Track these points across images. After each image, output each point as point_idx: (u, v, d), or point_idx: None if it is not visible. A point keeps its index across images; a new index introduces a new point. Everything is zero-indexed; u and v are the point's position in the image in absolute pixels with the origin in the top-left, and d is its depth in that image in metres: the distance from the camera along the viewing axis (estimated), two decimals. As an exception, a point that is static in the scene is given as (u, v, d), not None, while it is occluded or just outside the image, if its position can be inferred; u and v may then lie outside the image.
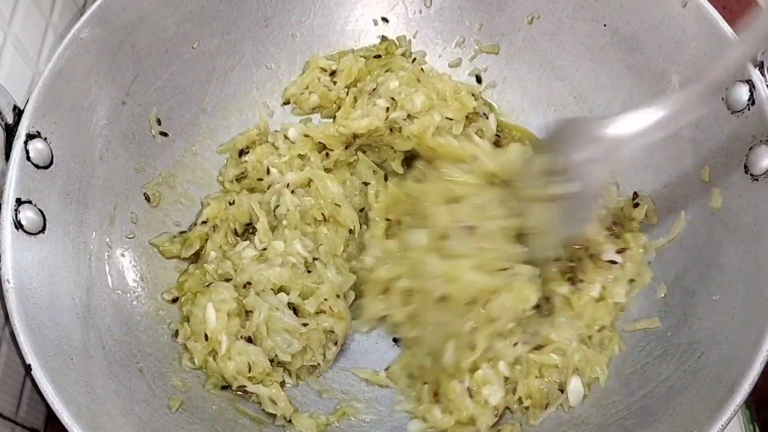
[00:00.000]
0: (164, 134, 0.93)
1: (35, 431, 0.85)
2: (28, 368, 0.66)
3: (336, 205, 0.92)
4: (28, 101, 0.75)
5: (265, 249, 0.88)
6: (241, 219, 0.92)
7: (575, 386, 0.82)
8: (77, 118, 0.81)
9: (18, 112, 0.75)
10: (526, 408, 0.83)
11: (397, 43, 1.03)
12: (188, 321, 0.84)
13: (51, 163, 0.77)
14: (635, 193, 0.91)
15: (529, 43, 1.00)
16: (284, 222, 0.90)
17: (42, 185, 0.76)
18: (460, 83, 1.01)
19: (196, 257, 0.91)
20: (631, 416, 0.76)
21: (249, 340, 0.82)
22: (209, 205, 0.92)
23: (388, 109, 0.93)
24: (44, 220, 0.75)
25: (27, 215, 0.73)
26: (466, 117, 0.96)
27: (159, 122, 0.92)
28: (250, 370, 0.81)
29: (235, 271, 0.87)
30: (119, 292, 0.84)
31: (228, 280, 0.86)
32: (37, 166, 0.75)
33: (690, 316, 0.80)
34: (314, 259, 0.88)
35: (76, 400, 0.68)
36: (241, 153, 0.96)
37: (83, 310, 0.77)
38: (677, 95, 0.70)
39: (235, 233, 0.92)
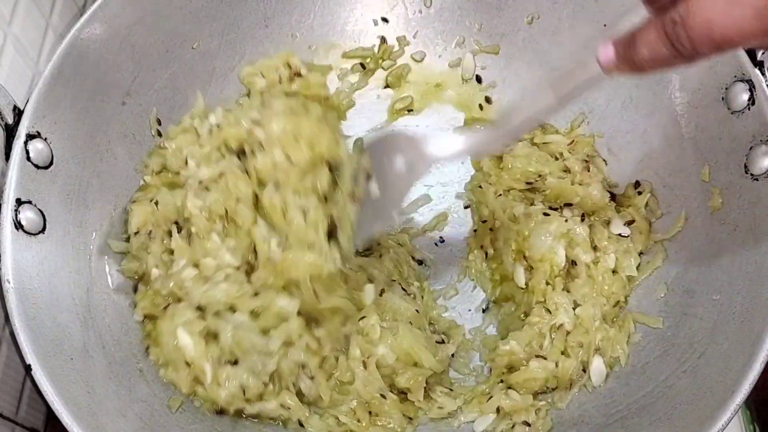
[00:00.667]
0: (164, 134, 0.93)
1: (35, 431, 0.85)
2: (28, 368, 0.66)
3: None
4: (28, 101, 0.75)
5: (197, 265, 0.79)
6: (172, 218, 0.83)
7: (598, 366, 0.82)
8: (77, 118, 0.81)
9: (18, 112, 0.75)
10: (554, 389, 0.83)
11: (395, 45, 1.04)
12: (156, 346, 0.79)
13: (51, 163, 0.77)
14: (637, 181, 0.91)
15: (529, 43, 1.00)
16: (193, 229, 0.80)
17: (42, 185, 0.76)
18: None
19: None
20: (631, 416, 0.76)
21: (235, 362, 0.76)
22: (134, 212, 0.83)
23: None
24: (44, 220, 0.75)
25: (27, 215, 0.73)
26: None
27: (159, 122, 0.92)
28: (244, 393, 0.76)
29: (183, 293, 0.79)
30: (119, 292, 0.84)
31: (180, 300, 0.79)
32: (37, 166, 0.75)
33: (690, 316, 0.80)
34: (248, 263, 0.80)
35: (76, 400, 0.68)
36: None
37: (83, 310, 0.77)
38: (485, 131, 0.74)
39: (170, 233, 0.82)
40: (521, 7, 0.99)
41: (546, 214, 0.88)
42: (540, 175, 0.93)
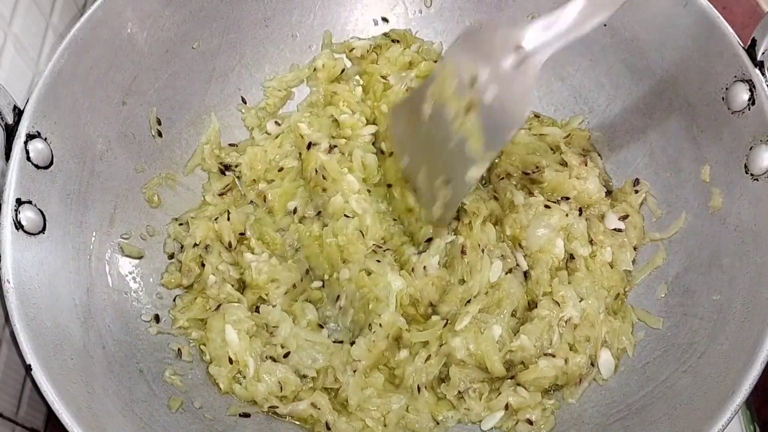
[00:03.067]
0: (164, 134, 0.93)
1: (35, 431, 0.85)
2: (28, 368, 0.66)
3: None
4: (28, 101, 0.75)
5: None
6: (235, 230, 0.91)
7: (606, 359, 0.82)
8: (77, 118, 0.81)
9: (18, 112, 0.75)
10: (562, 386, 0.83)
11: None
12: (205, 346, 0.84)
13: (51, 163, 0.77)
14: (637, 179, 0.92)
15: (529, 43, 1.00)
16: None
17: (42, 185, 0.76)
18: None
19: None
20: (631, 416, 0.76)
21: (273, 359, 0.82)
22: (197, 226, 0.90)
23: None
24: (44, 220, 0.75)
25: (27, 215, 0.73)
26: None
27: (159, 122, 0.92)
28: (281, 390, 0.80)
29: (244, 282, 0.88)
30: (119, 292, 0.84)
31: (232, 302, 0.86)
32: (37, 166, 0.75)
33: (690, 316, 0.80)
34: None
35: (76, 400, 0.68)
36: (227, 168, 0.96)
37: (83, 310, 0.77)
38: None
39: (228, 246, 0.90)
40: (521, 6, 0.99)
41: (547, 207, 0.88)
42: (537, 166, 0.93)
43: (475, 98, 0.78)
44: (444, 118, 0.82)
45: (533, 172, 0.93)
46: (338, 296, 0.88)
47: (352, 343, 0.83)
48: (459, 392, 0.82)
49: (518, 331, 0.83)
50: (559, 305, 0.83)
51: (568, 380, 0.82)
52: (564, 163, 0.93)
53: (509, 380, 0.82)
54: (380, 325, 0.82)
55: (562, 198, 0.90)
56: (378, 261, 0.86)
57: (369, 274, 0.85)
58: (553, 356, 0.81)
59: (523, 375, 0.81)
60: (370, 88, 1.01)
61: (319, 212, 0.93)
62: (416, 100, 0.86)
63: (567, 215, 0.87)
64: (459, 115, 0.80)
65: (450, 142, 0.81)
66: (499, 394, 0.81)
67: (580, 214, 0.88)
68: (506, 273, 0.85)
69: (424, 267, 0.86)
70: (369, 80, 1.01)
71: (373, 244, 0.89)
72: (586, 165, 0.91)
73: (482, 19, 1.02)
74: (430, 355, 0.82)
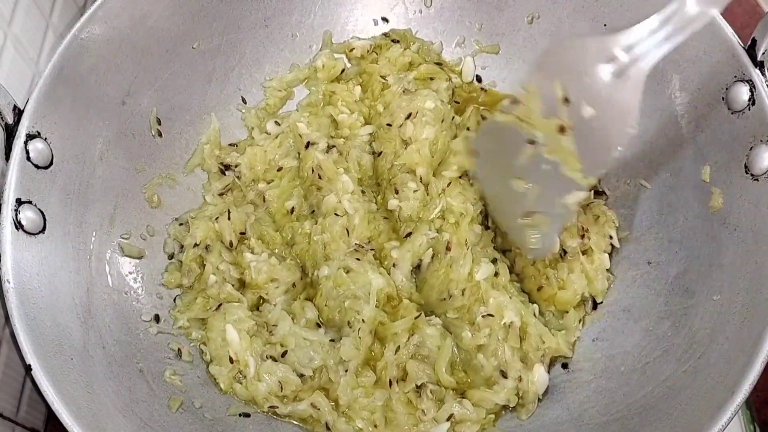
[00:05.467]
0: (164, 134, 0.93)
1: (35, 431, 0.85)
2: (28, 368, 0.66)
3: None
4: (28, 101, 0.75)
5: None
6: (236, 230, 0.90)
7: (540, 374, 0.82)
8: (77, 118, 0.81)
9: (18, 112, 0.75)
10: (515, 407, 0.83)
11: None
12: (205, 346, 0.84)
13: (51, 163, 0.77)
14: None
15: (529, 43, 1.00)
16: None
17: (42, 185, 0.76)
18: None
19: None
20: (632, 416, 0.76)
21: (273, 359, 0.82)
22: (197, 226, 0.90)
23: None
24: (44, 220, 0.75)
25: (27, 215, 0.73)
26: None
27: (159, 122, 0.92)
28: (281, 390, 0.80)
29: (244, 282, 0.88)
30: (119, 292, 0.84)
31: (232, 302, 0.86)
32: (37, 166, 0.75)
33: (690, 316, 0.80)
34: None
35: (76, 400, 0.68)
36: (227, 168, 0.96)
37: (83, 310, 0.77)
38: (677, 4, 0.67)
39: (229, 246, 0.90)
40: (521, 7, 0.99)
41: None
42: None
43: (568, 119, 0.73)
44: (531, 144, 0.77)
45: None
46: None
47: (331, 340, 0.84)
48: (417, 387, 0.81)
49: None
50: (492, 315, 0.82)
51: (523, 402, 0.82)
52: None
53: (453, 391, 0.82)
54: (363, 320, 0.82)
55: None
56: (358, 259, 0.86)
57: (348, 272, 0.85)
58: (505, 376, 0.81)
59: (470, 391, 0.81)
60: (368, 87, 1.01)
61: (313, 211, 0.93)
62: (496, 128, 0.82)
63: None
64: (551, 139, 0.75)
65: (541, 168, 0.77)
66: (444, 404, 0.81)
67: None
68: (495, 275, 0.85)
69: (394, 264, 0.87)
70: (368, 80, 1.01)
71: (356, 243, 0.89)
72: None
73: (482, 19, 1.02)
74: (399, 347, 0.82)
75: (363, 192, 0.93)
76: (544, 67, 0.75)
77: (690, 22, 0.66)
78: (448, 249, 0.86)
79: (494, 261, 0.86)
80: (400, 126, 0.93)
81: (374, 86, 1.00)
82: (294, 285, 0.89)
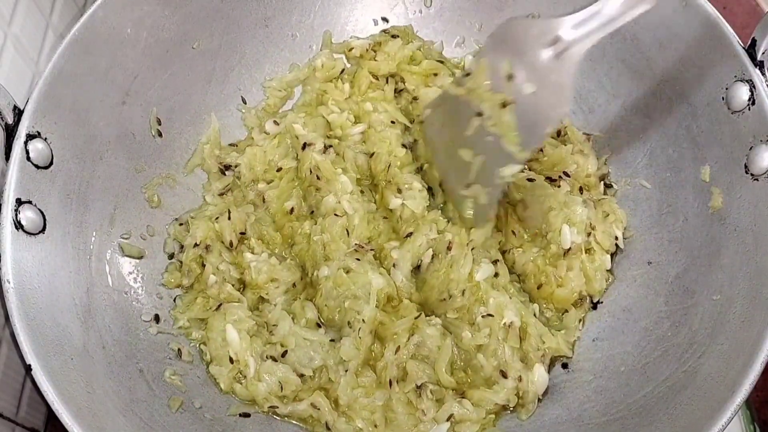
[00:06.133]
0: (164, 134, 0.93)
1: (35, 431, 0.85)
2: (28, 368, 0.66)
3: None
4: (28, 101, 0.75)
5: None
6: (236, 230, 0.90)
7: (540, 374, 0.82)
8: (77, 118, 0.81)
9: (18, 112, 0.75)
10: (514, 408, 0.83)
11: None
12: (205, 346, 0.84)
13: (51, 163, 0.77)
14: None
15: (529, 43, 1.00)
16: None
17: (42, 185, 0.76)
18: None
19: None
20: (632, 416, 0.76)
21: (273, 359, 0.82)
22: (197, 226, 0.90)
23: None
24: (44, 220, 0.75)
25: (27, 215, 0.73)
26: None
27: (159, 122, 0.92)
28: (281, 390, 0.80)
29: (244, 282, 0.88)
30: (119, 292, 0.84)
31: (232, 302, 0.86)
32: (37, 166, 0.75)
33: (690, 316, 0.80)
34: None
35: (76, 400, 0.68)
36: (227, 168, 0.96)
37: (83, 310, 0.77)
38: None
39: (230, 246, 0.90)
40: (521, 7, 0.99)
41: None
42: None
43: (511, 94, 0.77)
44: (479, 116, 0.81)
45: None
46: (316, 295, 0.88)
47: (332, 340, 0.84)
48: (417, 387, 0.81)
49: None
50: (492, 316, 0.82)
51: (523, 402, 0.82)
52: (558, 133, 0.95)
53: (452, 391, 0.82)
54: (363, 320, 0.82)
55: (563, 174, 0.91)
56: (357, 260, 0.86)
57: (348, 272, 0.85)
58: (505, 376, 0.81)
59: (470, 391, 0.81)
60: (356, 83, 1.01)
61: (312, 211, 0.93)
62: (449, 99, 0.86)
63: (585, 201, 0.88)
64: (494, 112, 0.79)
65: (485, 140, 0.81)
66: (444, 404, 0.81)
67: (581, 193, 0.89)
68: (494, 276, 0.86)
69: (394, 264, 0.87)
70: (358, 75, 1.01)
71: (356, 244, 0.89)
72: (589, 141, 0.92)
73: (482, 19, 1.02)
74: (399, 347, 0.82)
75: (362, 192, 0.93)
76: (494, 44, 0.80)
77: (624, 11, 0.71)
78: (449, 249, 0.86)
79: (495, 262, 0.86)
80: None
81: (362, 82, 1.00)
82: (294, 285, 0.89)
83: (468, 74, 0.83)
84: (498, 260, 0.87)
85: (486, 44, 0.81)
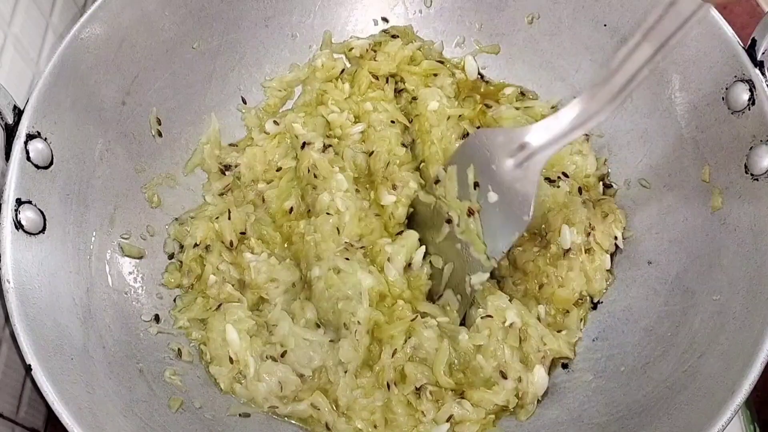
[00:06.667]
0: (164, 134, 0.93)
1: (35, 431, 0.85)
2: (28, 368, 0.66)
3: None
4: (28, 101, 0.75)
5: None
6: (236, 230, 0.91)
7: (541, 375, 0.82)
8: (77, 118, 0.81)
9: (18, 112, 0.75)
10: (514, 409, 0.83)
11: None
12: (205, 346, 0.84)
13: (51, 163, 0.77)
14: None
15: (529, 43, 1.00)
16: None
17: (42, 185, 0.76)
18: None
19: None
20: (632, 416, 0.76)
21: (273, 359, 0.81)
22: (197, 226, 0.90)
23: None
24: (44, 220, 0.75)
25: (27, 215, 0.73)
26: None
27: (159, 122, 0.92)
28: (281, 390, 0.80)
29: (244, 282, 0.87)
30: (119, 292, 0.84)
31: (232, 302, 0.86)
32: (37, 166, 0.75)
33: (690, 316, 0.80)
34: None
35: (76, 400, 0.68)
36: (227, 168, 0.96)
37: (83, 310, 0.77)
38: (582, 100, 0.73)
39: (230, 246, 0.90)
40: (521, 7, 0.99)
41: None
42: None
43: (476, 203, 0.81)
44: (448, 223, 0.84)
45: None
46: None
47: (331, 341, 0.83)
48: (416, 389, 0.81)
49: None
50: (492, 317, 0.82)
51: (522, 403, 0.82)
52: None
53: (452, 392, 0.82)
54: (359, 322, 0.82)
55: (562, 174, 0.91)
56: (347, 259, 0.86)
57: (338, 272, 0.85)
58: (505, 377, 0.81)
59: (469, 392, 0.81)
60: (356, 83, 1.00)
61: (309, 210, 0.93)
62: (422, 205, 0.89)
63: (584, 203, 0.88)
64: (462, 220, 0.82)
65: (455, 247, 0.83)
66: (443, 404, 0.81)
67: (580, 194, 0.89)
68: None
69: (389, 259, 0.87)
70: (358, 75, 1.01)
71: (345, 242, 0.88)
72: (587, 141, 0.93)
73: (482, 19, 1.02)
74: (396, 350, 0.82)
75: (357, 191, 0.93)
76: (462, 152, 0.83)
77: (585, 120, 0.73)
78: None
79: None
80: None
81: (362, 82, 1.00)
82: (294, 285, 0.89)
83: (438, 181, 0.86)
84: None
85: (456, 152, 0.84)
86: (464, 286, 0.84)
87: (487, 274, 0.82)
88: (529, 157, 0.76)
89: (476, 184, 0.81)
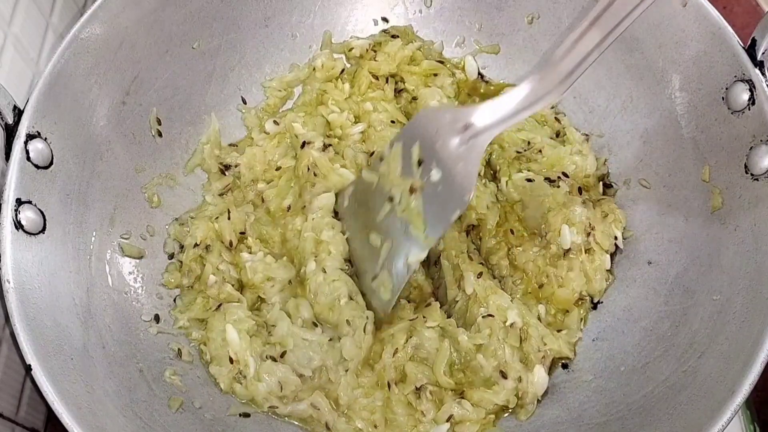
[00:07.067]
0: (164, 134, 0.93)
1: (35, 431, 0.85)
2: (28, 368, 0.66)
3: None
4: (28, 101, 0.75)
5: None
6: (236, 230, 0.91)
7: (541, 375, 0.82)
8: (77, 118, 0.81)
9: (18, 112, 0.74)
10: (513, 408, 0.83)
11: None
12: (205, 346, 0.84)
13: (51, 163, 0.77)
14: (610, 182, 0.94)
15: (529, 43, 1.00)
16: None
17: (42, 185, 0.76)
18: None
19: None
20: (632, 416, 0.76)
21: (273, 359, 0.81)
22: (197, 226, 0.90)
23: None
24: (44, 220, 0.75)
25: (27, 215, 0.73)
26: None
27: (159, 122, 0.92)
28: (281, 390, 0.80)
29: (243, 282, 0.88)
30: (119, 292, 0.84)
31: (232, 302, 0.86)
32: (37, 166, 0.75)
33: (690, 316, 0.80)
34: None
35: (76, 400, 0.68)
36: (227, 168, 0.96)
37: (83, 310, 0.77)
38: (530, 83, 0.72)
39: (229, 246, 0.90)
40: (521, 7, 0.99)
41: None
42: (529, 143, 0.93)
43: (419, 180, 0.79)
44: (390, 201, 0.82)
45: (524, 150, 0.93)
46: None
47: (330, 340, 0.83)
48: (416, 389, 0.81)
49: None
50: (494, 316, 0.82)
51: (522, 403, 0.82)
52: (557, 134, 0.95)
53: (451, 392, 0.82)
54: (366, 317, 0.82)
55: (562, 174, 0.91)
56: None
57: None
58: (505, 377, 0.80)
59: (469, 392, 0.81)
60: (356, 83, 1.01)
61: (304, 206, 0.92)
62: (364, 184, 0.87)
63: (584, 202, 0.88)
64: (404, 197, 0.81)
65: (394, 225, 0.82)
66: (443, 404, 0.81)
67: (580, 194, 0.89)
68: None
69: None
70: (358, 75, 1.01)
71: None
72: (587, 141, 0.93)
73: (482, 19, 1.02)
74: (397, 349, 0.82)
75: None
76: (409, 130, 0.81)
77: (533, 102, 0.72)
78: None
79: (480, 275, 0.86)
80: None
81: (362, 82, 1.00)
82: (290, 282, 0.89)
83: (382, 159, 0.84)
84: (482, 272, 0.87)
85: (402, 130, 0.83)
86: (399, 265, 0.82)
87: (425, 253, 0.80)
88: (474, 136, 0.75)
89: (420, 162, 0.79)
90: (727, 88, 0.79)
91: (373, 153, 0.95)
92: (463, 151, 0.75)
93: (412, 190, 0.79)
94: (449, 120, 0.76)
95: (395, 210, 0.82)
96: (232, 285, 0.87)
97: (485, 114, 0.74)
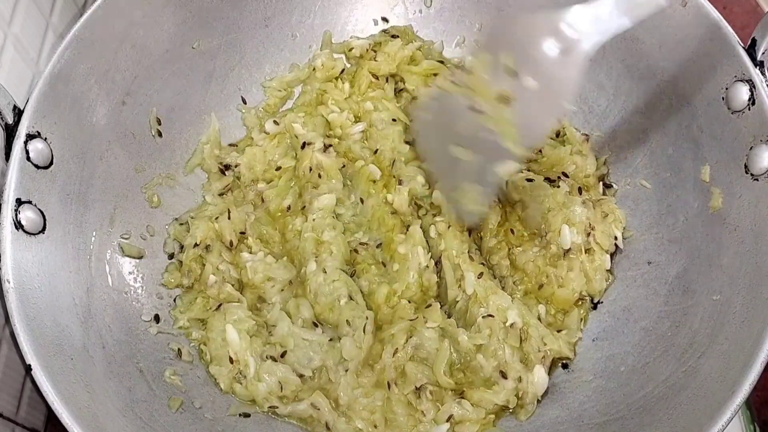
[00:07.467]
0: (164, 134, 0.93)
1: (35, 431, 0.85)
2: (28, 368, 0.66)
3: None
4: (28, 101, 0.75)
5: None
6: (236, 229, 0.91)
7: (541, 375, 0.82)
8: (77, 118, 0.81)
9: (18, 112, 0.74)
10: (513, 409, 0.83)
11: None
12: (205, 346, 0.84)
13: (51, 163, 0.77)
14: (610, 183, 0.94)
15: (529, 43, 1.00)
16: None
17: (42, 185, 0.76)
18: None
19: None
20: (632, 416, 0.76)
21: (273, 359, 0.82)
22: (197, 226, 0.90)
23: None
24: (44, 220, 0.75)
25: (27, 215, 0.73)
26: None
27: (159, 122, 0.92)
28: (281, 390, 0.80)
29: (243, 282, 0.88)
30: (119, 292, 0.84)
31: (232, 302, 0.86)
32: (37, 166, 0.75)
33: (690, 316, 0.80)
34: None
35: (76, 400, 0.68)
36: (227, 168, 0.96)
37: (83, 310, 0.77)
38: None
39: (230, 246, 0.90)
40: (521, 6, 0.99)
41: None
42: None
43: (511, 90, 0.74)
44: (476, 112, 0.78)
45: None
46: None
47: (330, 340, 0.84)
48: (416, 389, 0.81)
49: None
50: (493, 316, 0.82)
51: (522, 403, 0.81)
52: (557, 134, 0.95)
53: (451, 392, 0.82)
54: (366, 317, 0.83)
55: (562, 174, 0.91)
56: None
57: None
58: (505, 377, 0.80)
59: (469, 392, 0.81)
60: (356, 82, 1.01)
61: (304, 207, 0.93)
62: (442, 97, 0.83)
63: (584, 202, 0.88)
64: (493, 108, 0.76)
65: (480, 137, 0.78)
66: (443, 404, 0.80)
67: (580, 194, 0.89)
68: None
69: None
70: (358, 75, 1.01)
71: (361, 243, 0.89)
72: (587, 141, 0.93)
73: (482, 19, 1.02)
74: (397, 349, 0.82)
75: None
76: (494, 39, 0.77)
77: (638, 8, 0.68)
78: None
79: (480, 275, 0.86)
80: None
81: (362, 81, 1.00)
82: (290, 282, 0.89)
83: (462, 68, 0.81)
84: (483, 273, 0.87)
85: (487, 39, 0.79)
86: (489, 177, 0.79)
87: (517, 164, 0.77)
88: (575, 42, 0.70)
89: (511, 71, 0.74)
90: (727, 88, 0.79)
91: (377, 151, 0.95)
92: (563, 59, 0.71)
93: (505, 101, 0.75)
94: (544, 25, 0.71)
95: (484, 121, 0.77)
96: (232, 285, 0.87)
97: (586, 17, 0.70)
